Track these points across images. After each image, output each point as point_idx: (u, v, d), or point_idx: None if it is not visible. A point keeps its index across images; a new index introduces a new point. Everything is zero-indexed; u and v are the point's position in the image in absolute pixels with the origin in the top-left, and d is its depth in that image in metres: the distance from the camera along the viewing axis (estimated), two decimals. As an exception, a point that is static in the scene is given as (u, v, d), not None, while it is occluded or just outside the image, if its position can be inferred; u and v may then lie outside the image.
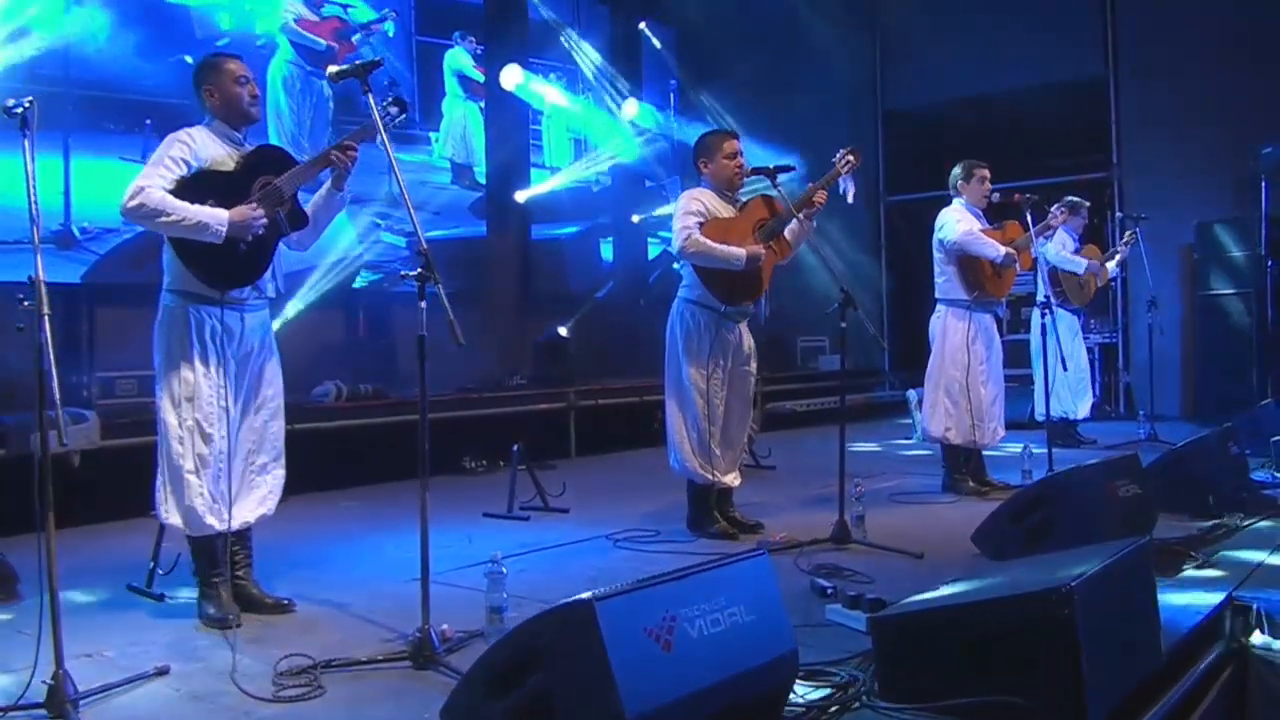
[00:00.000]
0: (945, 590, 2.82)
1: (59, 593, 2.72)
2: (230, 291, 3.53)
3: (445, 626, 3.20)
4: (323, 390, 7.02)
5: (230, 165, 3.57)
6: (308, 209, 3.75)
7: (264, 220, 3.48)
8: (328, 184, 3.72)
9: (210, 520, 3.51)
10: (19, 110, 2.83)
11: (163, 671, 3.01)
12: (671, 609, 2.27)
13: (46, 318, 2.65)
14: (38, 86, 6.31)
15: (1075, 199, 7.51)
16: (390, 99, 3.56)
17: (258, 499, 3.71)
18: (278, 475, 3.79)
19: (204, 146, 3.55)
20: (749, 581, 2.49)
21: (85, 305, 7.19)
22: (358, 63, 3.33)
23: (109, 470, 5.46)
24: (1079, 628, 2.35)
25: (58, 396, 2.61)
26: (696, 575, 2.40)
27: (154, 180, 3.40)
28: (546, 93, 10.37)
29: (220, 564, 3.59)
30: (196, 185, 3.46)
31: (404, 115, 3.57)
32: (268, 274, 3.64)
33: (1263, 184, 8.83)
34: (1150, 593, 2.86)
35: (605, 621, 2.11)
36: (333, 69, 3.42)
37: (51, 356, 2.65)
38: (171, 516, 3.55)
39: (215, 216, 3.39)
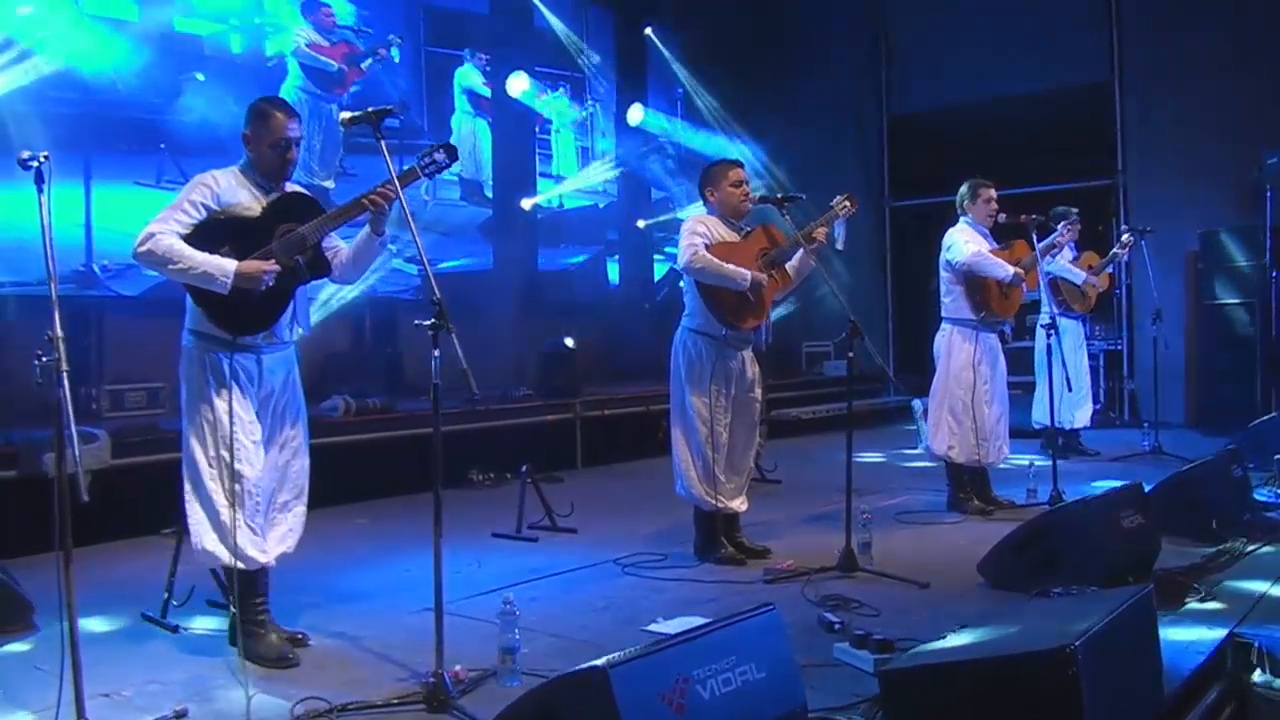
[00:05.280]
0: (953, 640, 2.86)
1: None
2: (243, 337, 3.52)
3: (458, 668, 3.23)
4: (331, 405, 7.05)
5: (255, 211, 3.55)
6: (350, 249, 3.73)
7: (275, 273, 3.45)
8: (366, 228, 3.64)
9: (253, 554, 3.51)
10: (34, 164, 2.79)
11: (181, 715, 3.04)
12: (684, 671, 2.32)
13: (65, 374, 2.68)
14: (55, 108, 6.35)
15: (1063, 208, 7.45)
16: (438, 145, 3.50)
17: (278, 537, 3.70)
18: (298, 513, 3.78)
19: (229, 191, 3.53)
20: (760, 638, 2.54)
21: (94, 316, 7.22)
22: (370, 110, 3.32)
23: (120, 488, 5.50)
24: (1083, 686, 2.40)
25: (79, 454, 2.63)
26: (708, 635, 2.45)
27: (168, 225, 3.39)
28: (553, 102, 10.41)
29: (265, 602, 3.61)
30: (213, 231, 3.45)
31: (453, 163, 3.52)
32: (285, 319, 3.62)
33: (1267, 193, 8.82)
34: (1153, 641, 2.90)
35: (619, 689, 2.16)
36: (345, 115, 3.41)
37: (70, 412, 2.67)
38: (215, 549, 3.51)
39: (221, 268, 3.37)
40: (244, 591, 3.56)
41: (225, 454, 3.49)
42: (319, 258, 3.63)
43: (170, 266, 3.36)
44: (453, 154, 3.52)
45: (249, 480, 3.52)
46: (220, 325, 3.48)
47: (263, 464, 3.59)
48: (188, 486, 3.57)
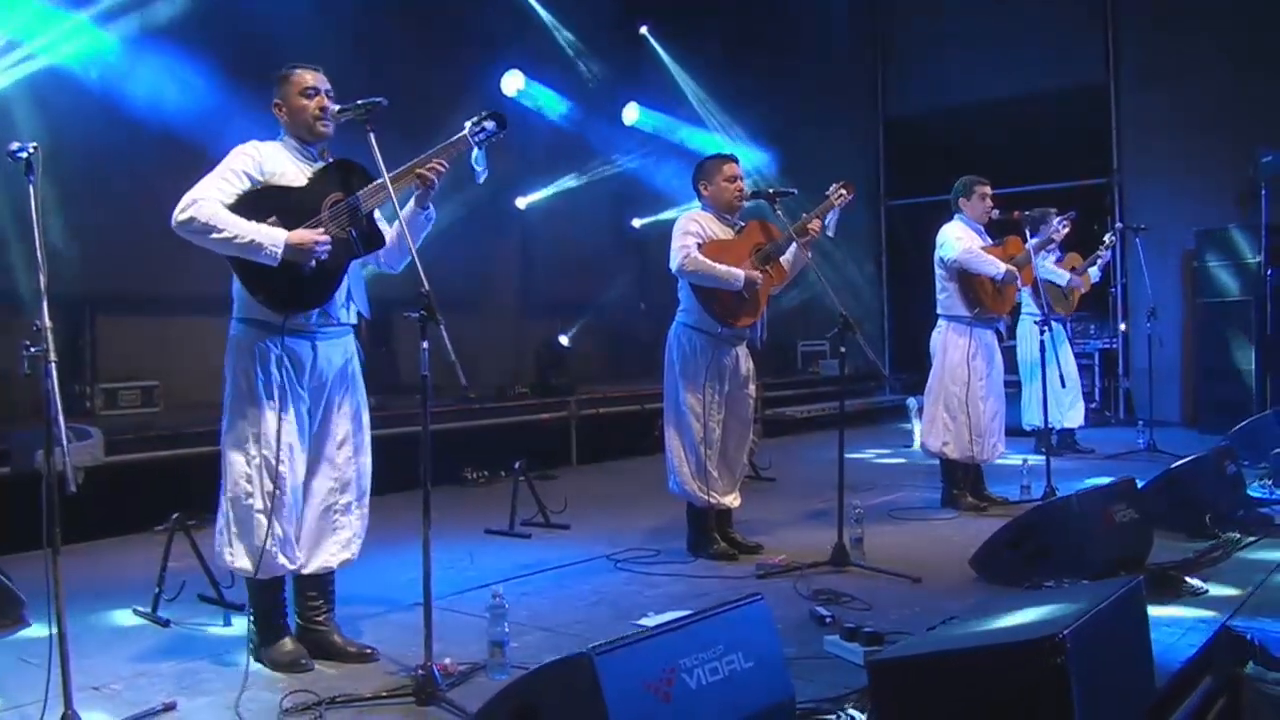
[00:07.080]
0: (942, 631, 2.85)
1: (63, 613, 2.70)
2: (294, 317, 3.27)
3: (448, 660, 3.23)
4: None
5: (301, 181, 3.31)
6: (394, 228, 3.45)
7: (328, 245, 3.20)
8: (411, 201, 3.39)
9: (281, 561, 3.31)
10: (24, 155, 2.75)
11: (170, 707, 3.04)
12: (671, 660, 2.31)
13: (54, 365, 2.67)
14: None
15: (1043, 209, 7.42)
16: (485, 113, 3.33)
17: (340, 542, 3.48)
18: (361, 515, 3.55)
19: (271, 160, 3.29)
20: (747, 628, 2.53)
21: (87, 313, 7.21)
22: (360, 102, 3.23)
23: (113, 486, 5.49)
24: (1071, 676, 2.38)
25: (67, 446, 2.62)
26: (695, 624, 2.44)
27: (209, 192, 3.14)
28: (547, 98, 10.40)
29: (284, 607, 3.43)
30: (258, 201, 3.20)
31: (502, 131, 3.33)
32: (339, 297, 3.35)
33: (1262, 192, 8.85)
34: (1144, 632, 2.89)
35: (605, 676, 2.15)
36: (335, 108, 3.31)
37: (58, 402, 2.66)
38: (239, 560, 3.30)
39: (271, 237, 3.12)
40: (262, 599, 3.40)
41: (268, 454, 3.27)
42: (373, 230, 3.34)
43: (214, 235, 3.09)
44: (502, 121, 3.33)
45: (286, 483, 3.29)
46: (267, 304, 3.23)
47: (303, 466, 3.38)
48: (222, 485, 3.36)
